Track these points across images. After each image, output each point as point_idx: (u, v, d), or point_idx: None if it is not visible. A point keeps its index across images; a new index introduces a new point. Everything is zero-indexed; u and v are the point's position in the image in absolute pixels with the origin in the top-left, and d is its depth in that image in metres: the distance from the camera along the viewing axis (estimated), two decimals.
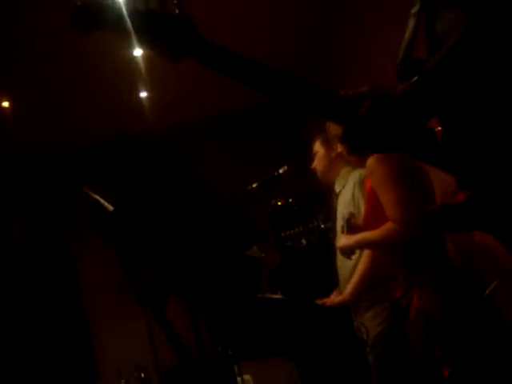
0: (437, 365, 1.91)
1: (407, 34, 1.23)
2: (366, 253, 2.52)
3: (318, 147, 2.95)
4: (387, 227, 2.07)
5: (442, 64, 1.08)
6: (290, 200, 5.63)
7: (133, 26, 1.14)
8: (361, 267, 2.55)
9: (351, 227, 2.37)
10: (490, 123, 1.09)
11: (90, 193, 2.09)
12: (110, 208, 1.99)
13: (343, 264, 2.73)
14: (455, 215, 1.08)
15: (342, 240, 2.38)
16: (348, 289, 2.59)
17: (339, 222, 2.79)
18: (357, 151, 1.22)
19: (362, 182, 2.69)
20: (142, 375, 5.44)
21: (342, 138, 1.22)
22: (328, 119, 1.21)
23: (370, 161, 2.13)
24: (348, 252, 2.42)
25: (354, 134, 1.13)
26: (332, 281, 2.87)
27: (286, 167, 3.05)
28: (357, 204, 2.68)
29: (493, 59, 1.05)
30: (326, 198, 3.16)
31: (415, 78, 1.11)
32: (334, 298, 2.68)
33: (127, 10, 1.14)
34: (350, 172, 2.83)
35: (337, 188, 2.90)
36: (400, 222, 2.02)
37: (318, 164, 2.95)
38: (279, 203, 5.68)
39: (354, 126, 1.12)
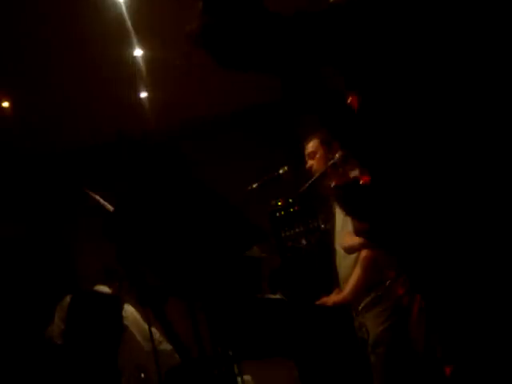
0: (438, 363, 1.91)
1: None
2: (365, 252, 2.52)
3: (315, 147, 2.89)
4: None
5: None
6: (290, 200, 5.63)
7: None
8: (360, 266, 2.56)
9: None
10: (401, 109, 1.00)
11: (90, 193, 2.09)
12: (110, 208, 1.99)
13: (343, 264, 2.73)
14: (361, 196, 1.03)
15: (348, 240, 2.38)
16: (347, 288, 2.60)
17: (338, 224, 2.79)
18: None
19: None
20: (142, 375, 5.44)
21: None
22: None
23: None
24: (352, 252, 2.45)
25: None
26: (332, 281, 2.87)
27: (286, 167, 3.03)
28: None
29: None
30: (326, 198, 3.15)
31: None
32: (334, 297, 2.69)
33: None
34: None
35: None
36: None
37: (317, 164, 2.90)
38: (279, 203, 5.68)
39: None
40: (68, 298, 4.36)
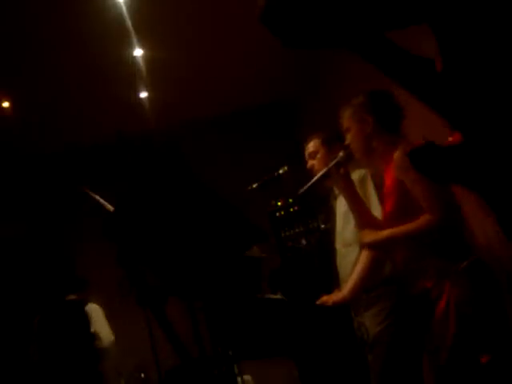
0: (470, 353, 1.91)
1: None
2: (366, 251, 2.50)
3: (317, 147, 2.87)
4: (426, 219, 2.02)
5: None
6: (290, 200, 5.63)
7: None
8: (360, 265, 2.55)
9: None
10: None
11: (90, 193, 2.09)
12: (110, 208, 1.99)
13: (343, 263, 2.73)
14: (442, 157, 0.93)
15: (370, 236, 2.30)
16: (346, 287, 2.59)
17: (339, 224, 2.79)
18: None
19: (361, 182, 2.67)
20: (142, 375, 5.45)
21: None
22: None
23: (398, 154, 2.08)
24: (376, 248, 2.38)
25: None
26: (332, 281, 2.87)
27: (286, 167, 3.02)
28: None
29: None
30: (326, 198, 3.15)
31: None
32: (334, 297, 2.68)
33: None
34: (350, 173, 2.80)
35: (336, 190, 2.87)
36: (440, 214, 1.98)
37: (318, 164, 2.89)
38: (279, 203, 5.68)
39: None
40: (36, 320, 4.62)
